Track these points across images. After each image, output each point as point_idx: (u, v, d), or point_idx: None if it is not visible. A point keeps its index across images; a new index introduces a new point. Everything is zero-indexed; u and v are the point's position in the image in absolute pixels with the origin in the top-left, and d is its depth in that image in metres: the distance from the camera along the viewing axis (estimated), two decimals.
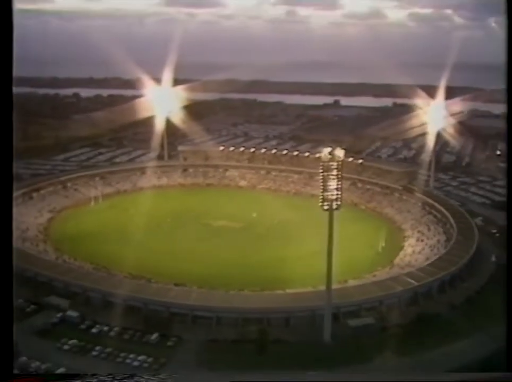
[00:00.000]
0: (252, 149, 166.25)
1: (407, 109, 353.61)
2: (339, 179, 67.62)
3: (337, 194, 67.84)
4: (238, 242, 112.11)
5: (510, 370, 48.15)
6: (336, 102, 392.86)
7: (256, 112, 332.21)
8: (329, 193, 67.74)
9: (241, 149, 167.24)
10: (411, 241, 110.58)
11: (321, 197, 68.40)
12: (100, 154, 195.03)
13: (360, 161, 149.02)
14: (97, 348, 67.66)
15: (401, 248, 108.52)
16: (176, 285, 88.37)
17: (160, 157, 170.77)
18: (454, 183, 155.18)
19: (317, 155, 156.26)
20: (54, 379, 60.93)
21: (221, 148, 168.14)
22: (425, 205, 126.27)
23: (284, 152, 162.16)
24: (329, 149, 67.01)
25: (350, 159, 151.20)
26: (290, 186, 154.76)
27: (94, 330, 72.80)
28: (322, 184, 67.65)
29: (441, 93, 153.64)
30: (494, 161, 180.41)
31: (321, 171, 67.61)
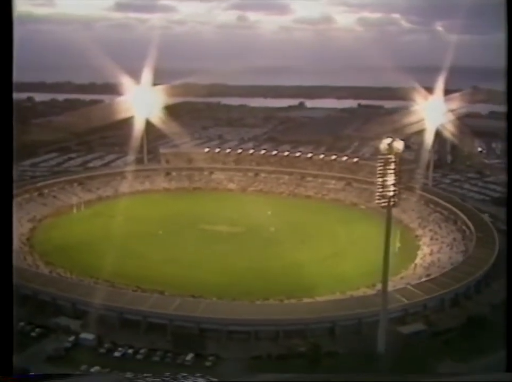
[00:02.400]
0: (239, 151, 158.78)
1: (373, 110, 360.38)
2: (397, 173, 61.49)
3: (394, 190, 61.75)
4: (244, 247, 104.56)
5: (510, 370, 45.28)
6: (301, 104, 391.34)
7: (222, 115, 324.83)
8: (387, 189, 61.44)
9: (228, 151, 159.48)
10: (425, 240, 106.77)
11: (379, 193, 62.01)
12: (71, 159, 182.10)
13: (355, 159, 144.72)
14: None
15: (417, 247, 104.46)
16: (193, 297, 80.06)
17: (138, 161, 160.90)
18: (447, 181, 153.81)
19: (309, 155, 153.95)
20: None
21: (206, 150, 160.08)
22: (428, 203, 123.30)
23: (274, 152, 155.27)
24: (388, 140, 60.75)
25: (345, 158, 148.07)
26: (282, 187, 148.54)
27: (116, 353, 63.35)
28: (380, 179, 61.28)
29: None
30: (477, 158, 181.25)
31: (379, 164, 61.19)
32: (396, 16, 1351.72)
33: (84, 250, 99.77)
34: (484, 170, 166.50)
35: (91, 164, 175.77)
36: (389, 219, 64.53)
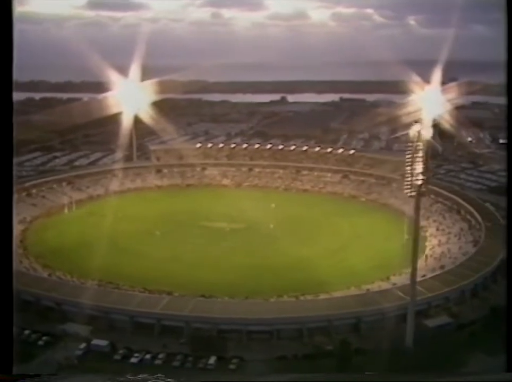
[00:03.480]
0: (233, 145, 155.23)
1: (356, 103, 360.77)
2: (425, 161, 59.08)
3: (423, 179, 59.38)
4: (248, 243, 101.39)
5: (510, 370, 44.14)
6: (283, 99, 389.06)
7: (206, 111, 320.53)
8: (415, 178, 59.03)
9: (221, 145, 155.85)
10: (431, 230, 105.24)
11: (408, 181, 59.54)
12: (56, 157, 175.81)
13: (352, 151, 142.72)
14: None
15: (424, 238, 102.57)
16: (204, 297, 76.61)
17: (126, 158, 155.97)
18: (442, 171, 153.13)
19: (304, 149, 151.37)
20: None
21: (198, 145, 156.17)
22: (429, 194, 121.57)
23: (267, 146, 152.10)
24: (418, 127, 58.29)
25: (341, 150, 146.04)
26: (278, 182, 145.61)
27: (133, 359, 59.55)
28: (409, 167, 58.80)
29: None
30: (467, 148, 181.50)
31: (408, 153, 58.69)
32: (369, 11, 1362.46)
33: (82, 251, 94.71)
34: (476, 160, 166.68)
35: (77, 163, 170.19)
36: (417, 210, 61.99)
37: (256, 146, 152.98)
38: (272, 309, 69.90)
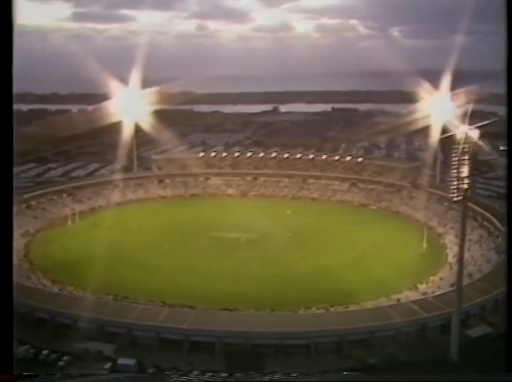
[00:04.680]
0: (236, 154, 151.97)
1: (348, 112, 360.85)
2: (471, 165, 56.43)
3: (468, 183, 56.70)
4: (264, 254, 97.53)
5: (510, 370, 41.95)
6: (275, 109, 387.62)
7: (198, 122, 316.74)
8: (461, 182, 56.31)
9: (224, 155, 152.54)
10: (450, 238, 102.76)
11: (453, 186, 56.76)
12: (51, 169, 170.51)
13: (360, 159, 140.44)
14: None
15: (444, 246, 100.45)
16: (228, 310, 72.82)
17: (125, 169, 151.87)
18: (447, 178, 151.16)
19: (311, 157, 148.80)
20: None
21: (201, 154, 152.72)
22: (442, 201, 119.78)
23: (274, 154, 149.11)
24: (465, 129, 55.70)
25: (349, 158, 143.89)
26: (285, 191, 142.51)
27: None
28: (455, 170, 56.06)
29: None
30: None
31: (455, 155, 55.97)
32: (354, 22, 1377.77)
33: (90, 264, 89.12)
34: (479, 166, 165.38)
35: (74, 174, 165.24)
36: (463, 215, 59.23)
37: (261, 154, 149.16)
38: (303, 321, 66.41)
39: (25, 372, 50.06)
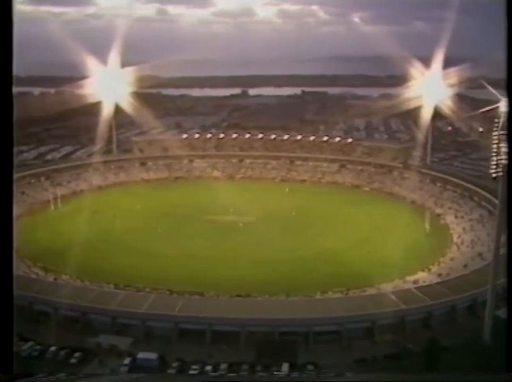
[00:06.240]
0: (221, 135, 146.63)
1: (319, 95, 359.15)
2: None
3: (506, 158, 54.24)
4: (265, 237, 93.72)
5: (510, 370, 41.38)
6: (244, 92, 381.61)
7: (169, 105, 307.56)
8: (501, 157, 53.82)
9: (208, 136, 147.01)
10: (450, 218, 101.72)
11: (494, 161, 54.24)
12: (22, 151, 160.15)
13: (349, 140, 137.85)
14: None
15: (446, 226, 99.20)
16: (241, 296, 68.96)
17: (103, 151, 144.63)
18: (434, 159, 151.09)
19: (298, 138, 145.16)
20: None
21: (184, 136, 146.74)
22: (435, 181, 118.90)
23: (260, 136, 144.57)
24: (504, 102, 53.06)
25: (337, 139, 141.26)
26: (273, 173, 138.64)
27: (192, 371, 51.00)
28: (495, 146, 53.50)
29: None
30: (448, 136, 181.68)
31: (495, 130, 53.36)
32: (314, 7, 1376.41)
33: (82, 251, 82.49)
34: (462, 148, 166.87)
35: (48, 157, 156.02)
36: (503, 191, 56.72)
37: (247, 135, 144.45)
38: (325, 306, 63.01)
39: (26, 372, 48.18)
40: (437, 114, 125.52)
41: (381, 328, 57.63)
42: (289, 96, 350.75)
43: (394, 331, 57.77)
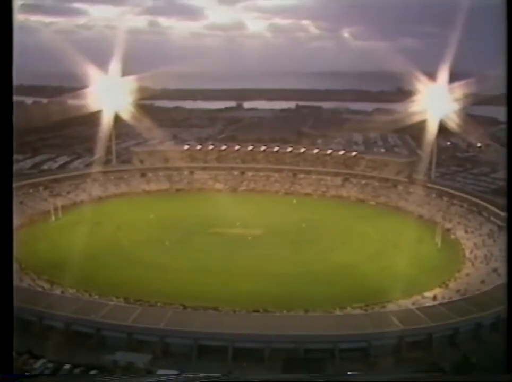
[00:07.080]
0: (223, 147, 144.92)
1: (314, 109, 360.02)
2: None
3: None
4: (275, 250, 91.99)
5: (510, 370, 40.32)
6: (239, 105, 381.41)
7: (162, 117, 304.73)
8: None
9: (210, 148, 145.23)
10: (460, 233, 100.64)
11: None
12: (18, 161, 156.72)
13: (354, 153, 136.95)
14: None
15: (457, 241, 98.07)
16: (258, 312, 66.68)
17: (101, 161, 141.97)
18: (436, 174, 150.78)
19: (302, 150, 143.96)
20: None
21: (186, 147, 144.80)
22: (442, 196, 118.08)
23: (263, 148, 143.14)
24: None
25: (342, 152, 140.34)
26: (276, 186, 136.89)
27: None
28: None
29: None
30: (447, 152, 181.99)
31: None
32: (305, 22, 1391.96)
33: (87, 264, 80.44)
34: (463, 163, 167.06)
35: (45, 166, 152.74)
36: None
37: (250, 148, 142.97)
38: (346, 323, 61.09)
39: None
40: (439, 129, 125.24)
41: (408, 345, 55.73)
42: (283, 110, 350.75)
43: (422, 348, 55.85)
